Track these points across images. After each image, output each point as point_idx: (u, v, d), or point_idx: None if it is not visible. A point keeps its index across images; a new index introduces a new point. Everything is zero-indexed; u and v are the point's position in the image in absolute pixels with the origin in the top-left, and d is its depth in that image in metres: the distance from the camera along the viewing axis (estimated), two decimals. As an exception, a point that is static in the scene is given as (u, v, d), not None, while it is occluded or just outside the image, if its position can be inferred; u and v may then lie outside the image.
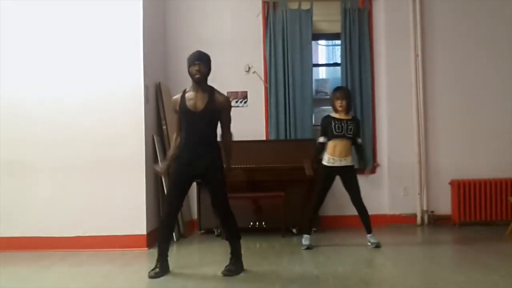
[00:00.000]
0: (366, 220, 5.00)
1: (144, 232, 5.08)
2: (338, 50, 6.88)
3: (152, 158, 5.40)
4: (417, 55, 6.18)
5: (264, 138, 6.22)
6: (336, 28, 6.32)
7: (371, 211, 5.37)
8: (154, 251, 4.98)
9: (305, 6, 6.19)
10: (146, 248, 5.05)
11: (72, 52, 5.16)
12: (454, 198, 6.04)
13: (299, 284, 3.77)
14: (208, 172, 3.98)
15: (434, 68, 6.22)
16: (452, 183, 6.11)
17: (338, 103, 4.94)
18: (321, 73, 7.78)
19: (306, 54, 6.18)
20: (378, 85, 6.26)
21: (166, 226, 4.09)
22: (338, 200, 6.11)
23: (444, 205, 6.17)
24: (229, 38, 6.24)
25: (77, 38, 5.17)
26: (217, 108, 4.00)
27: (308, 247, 4.91)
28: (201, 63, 3.96)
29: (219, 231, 5.57)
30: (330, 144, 4.94)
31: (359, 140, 5.05)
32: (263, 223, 5.61)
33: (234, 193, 4.75)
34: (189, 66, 3.99)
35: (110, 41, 5.16)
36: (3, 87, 5.16)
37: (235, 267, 4.06)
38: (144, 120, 5.14)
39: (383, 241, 5.30)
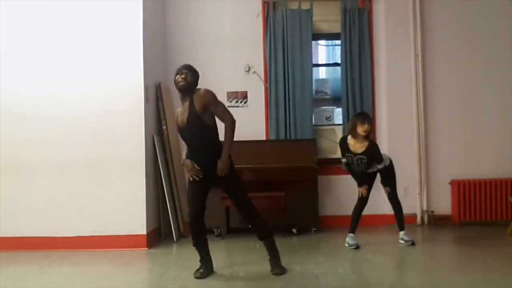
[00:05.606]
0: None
1: (144, 232, 5.08)
2: (338, 50, 6.88)
3: (152, 158, 5.40)
4: (417, 55, 6.17)
5: (264, 138, 6.22)
6: (336, 28, 6.32)
7: (371, 211, 5.38)
8: (154, 251, 5.03)
9: (305, 6, 6.19)
10: (146, 248, 5.05)
11: (72, 52, 5.17)
12: (454, 198, 6.04)
13: (299, 284, 3.76)
14: (221, 178, 3.89)
15: (434, 68, 6.21)
16: (452, 183, 6.11)
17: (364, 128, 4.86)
18: (321, 73, 7.78)
19: (306, 54, 6.18)
20: (378, 85, 6.25)
21: (195, 227, 4.01)
22: (338, 200, 6.12)
23: (444, 205, 6.16)
24: (229, 38, 6.24)
25: (77, 38, 5.17)
26: (200, 110, 3.81)
27: (357, 246, 4.90)
28: (188, 72, 3.89)
29: (219, 231, 5.57)
30: None
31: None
32: (263, 223, 5.60)
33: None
34: (175, 75, 3.92)
35: (110, 41, 5.17)
36: (2, 86, 5.16)
37: (279, 266, 4.03)
38: (144, 120, 5.15)
39: (383, 241, 5.31)
